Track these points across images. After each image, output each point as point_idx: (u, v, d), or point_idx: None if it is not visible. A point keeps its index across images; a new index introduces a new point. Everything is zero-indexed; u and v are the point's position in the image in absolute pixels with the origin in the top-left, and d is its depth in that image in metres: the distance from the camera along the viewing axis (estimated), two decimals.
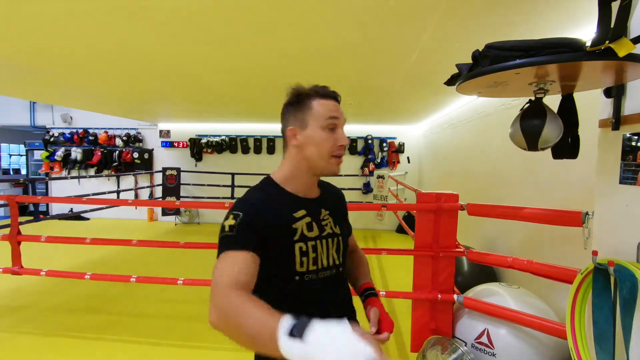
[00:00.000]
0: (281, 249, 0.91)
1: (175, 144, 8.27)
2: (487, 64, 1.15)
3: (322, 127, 0.94)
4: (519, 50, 1.10)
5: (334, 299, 1.02)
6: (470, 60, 1.28)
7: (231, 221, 0.86)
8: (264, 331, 0.64)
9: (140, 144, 8.36)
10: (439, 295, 2.35)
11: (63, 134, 8.34)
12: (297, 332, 0.60)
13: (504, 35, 2.02)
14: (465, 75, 1.27)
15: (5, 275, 3.22)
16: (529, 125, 1.37)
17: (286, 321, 0.63)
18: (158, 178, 8.13)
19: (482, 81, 1.25)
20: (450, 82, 1.38)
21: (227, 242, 0.84)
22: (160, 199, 7.66)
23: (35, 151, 8.97)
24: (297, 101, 0.97)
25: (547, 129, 1.33)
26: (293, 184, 0.99)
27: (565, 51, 1.04)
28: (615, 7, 0.99)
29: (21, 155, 9.94)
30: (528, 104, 1.42)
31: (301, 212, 0.96)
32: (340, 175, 7.87)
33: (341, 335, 0.58)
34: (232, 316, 0.71)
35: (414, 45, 2.50)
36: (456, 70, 1.33)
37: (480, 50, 1.20)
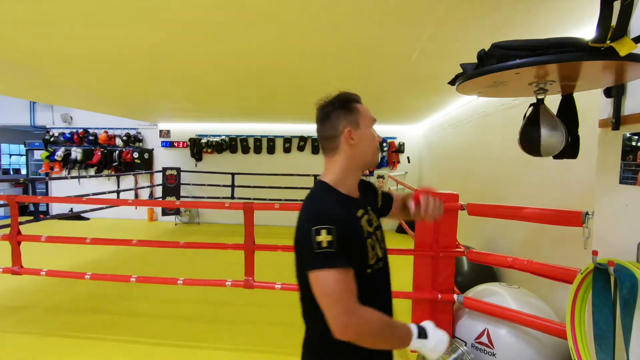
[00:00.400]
0: (359, 247, 1.02)
1: (175, 144, 8.27)
2: (494, 63, 1.15)
3: (368, 126, 1.09)
4: (526, 50, 1.09)
5: (385, 286, 1.15)
6: (470, 60, 1.28)
7: (327, 236, 0.92)
8: (403, 339, 1.00)
9: (140, 144, 8.36)
10: (439, 295, 2.35)
11: (63, 133, 8.34)
12: (422, 335, 1.01)
13: (504, 35, 2.01)
14: (464, 75, 1.26)
15: (5, 275, 3.22)
16: (528, 136, 1.40)
17: (414, 328, 1.02)
18: (158, 178, 8.13)
19: (482, 81, 1.25)
20: (454, 81, 1.38)
21: (331, 259, 0.92)
22: (160, 199, 7.66)
23: (35, 151, 8.96)
24: (346, 105, 1.07)
25: (545, 140, 1.35)
26: (345, 185, 1.08)
27: (571, 51, 1.04)
28: (616, 6, 0.99)
29: (21, 155, 9.94)
30: (530, 109, 1.42)
31: (360, 211, 1.07)
32: None
33: (437, 331, 1.04)
34: (373, 330, 0.94)
35: (414, 45, 2.50)
36: (460, 70, 1.32)
37: (486, 49, 1.20)
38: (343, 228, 0.95)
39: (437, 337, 1.02)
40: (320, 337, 1.00)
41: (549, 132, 1.35)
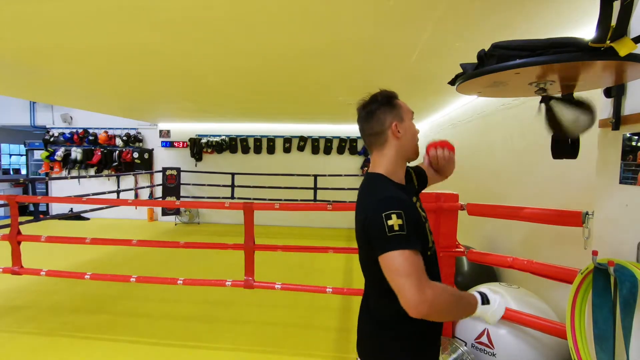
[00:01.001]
0: (421, 231, 1.10)
1: (175, 144, 8.27)
2: (494, 63, 1.14)
3: (410, 119, 1.18)
4: (526, 50, 1.08)
5: (438, 266, 1.23)
6: (470, 60, 1.27)
7: (398, 220, 0.98)
8: (470, 307, 1.07)
9: (140, 144, 8.35)
10: None
11: (63, 133, 8.34)
12: (485, 301, 1.09)
13: (503, 35, 2.01)
14: (464, 75, 1.26)
15: (5, 275, 3.22)
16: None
17: (478, 295, 1.09)
18: (158, 178, 8.13)
19: (482, 81, 1.24)
20: (454, 81, 1.37)
21: (403, 241, 0.97)
22: (160, 199, 7.66)
23: (35, 151, 8.96)
24: (390, 102, 1.16)
25: (573, 127, 1.27)
26: (397, 175, 1.16)
27: (571, 51, 1.03)
28: (616, 6, 0.99)
29: (21, 155, 9.94)
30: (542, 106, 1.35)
31: (414, 198, 1.18)
32: (340, 175, 7.88)
33: (495, 296, 1.11)
34: (444, 303, 0.97)
35: (414, 45, 2.50)
36: (460, 70, 1.32)
37: (486, 49, 1.19)
38: (409, 213, 1.01)
39: (497, 302, 1.10)
40: (394, 321, 1.08)
41: (572, 125, 1.27)
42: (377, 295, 1.11)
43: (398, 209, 0.98)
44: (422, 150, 1.26)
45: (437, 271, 1.20)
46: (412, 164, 1.31)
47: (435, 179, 1.44)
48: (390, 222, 0.97)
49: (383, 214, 0.98)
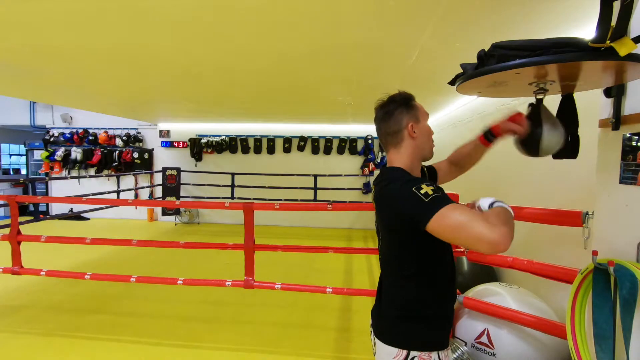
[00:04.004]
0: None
1: (175, 144, 8.27)
2: (494, 63, 1.14)
3: (426, 120, 1.23)
4: (526, 50, 1.08)
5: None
6: (470, 60, 1.27)
7: (428, 188, 1.01)
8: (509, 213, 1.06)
9: (140, 144, 8.36)
10: None
11: (63, 134, 8.34)
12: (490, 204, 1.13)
13: (503, 35, 2.01)
14: (464, 75, 1.26)
15: (5, 275, 3.22)
16: (528, 136, 1.35)
17: (496, 202, 1.14)
18: (158, 178, 8.13)
19: (482, 81, 1.24)
20: (454, 81, 1.37)
21: (443, 200, 0.99)
22: (160, 199, 7.66)
23: (35, 151, 8.96)
24: (407, 103, 1.20)
25: (545, 140, 1.33)
26: (414, 172, 1.19)
27: (571, 51, 1.03)
28: (616, 6, 0.99)
29: (21, 155, 9.94)
30: (529, 108, 1.41)
31: None
32: (340, 175, 7.87)
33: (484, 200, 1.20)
34: (510, 224, 0.97)
35: (414, 45, 2.50)
36: (459, 70, 1.32)
37: (486, 49, 1.19)
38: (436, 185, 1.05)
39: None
40: (421, 305, 1.12)
41: (549, 132, 1.33)
42: (402, 281, 1.14)
43: (421, 183, 1.02)
44: (435, 150, 1.29)
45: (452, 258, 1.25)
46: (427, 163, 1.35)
47: (451, 175, 1.51)
48: (422, 191, 0.99)
49: (413, 188, 1.00)
